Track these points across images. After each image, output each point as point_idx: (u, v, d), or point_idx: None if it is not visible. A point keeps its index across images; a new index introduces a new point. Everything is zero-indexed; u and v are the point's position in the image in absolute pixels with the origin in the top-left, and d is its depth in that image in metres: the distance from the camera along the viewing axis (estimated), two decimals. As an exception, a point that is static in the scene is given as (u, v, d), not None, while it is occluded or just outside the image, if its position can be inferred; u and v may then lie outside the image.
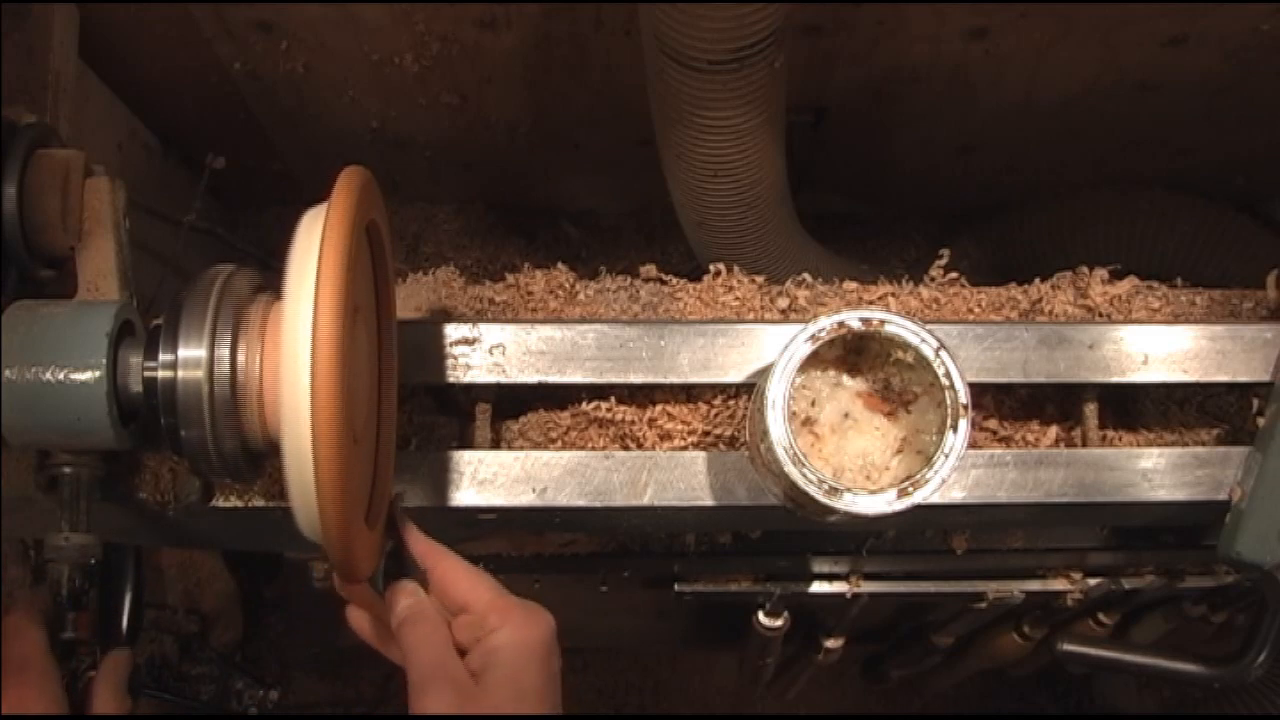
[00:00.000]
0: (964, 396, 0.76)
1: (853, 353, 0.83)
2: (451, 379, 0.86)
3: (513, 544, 1.15)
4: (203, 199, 1.16)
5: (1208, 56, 1.24)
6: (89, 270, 0.78)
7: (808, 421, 0.83)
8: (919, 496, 0.76)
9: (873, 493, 0.76)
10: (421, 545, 0.75)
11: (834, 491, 0.75)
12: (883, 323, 0.78)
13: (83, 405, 0.69)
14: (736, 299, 0.94)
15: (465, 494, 0.84)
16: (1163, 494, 0.88)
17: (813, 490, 0.75)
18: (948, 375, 0.76)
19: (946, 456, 0.75)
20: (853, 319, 0.78)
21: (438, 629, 0.70)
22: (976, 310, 0.95)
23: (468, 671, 0.68)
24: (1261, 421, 0.88)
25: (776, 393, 0.77)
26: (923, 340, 0.77)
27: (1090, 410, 0.92)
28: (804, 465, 0.75)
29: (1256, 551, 0.85)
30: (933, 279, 0.96)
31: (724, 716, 2.21)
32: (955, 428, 0.76)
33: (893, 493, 0.76)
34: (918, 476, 0.76)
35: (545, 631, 0.70)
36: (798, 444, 0.76)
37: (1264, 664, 1.06)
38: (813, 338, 0.78)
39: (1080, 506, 0.88)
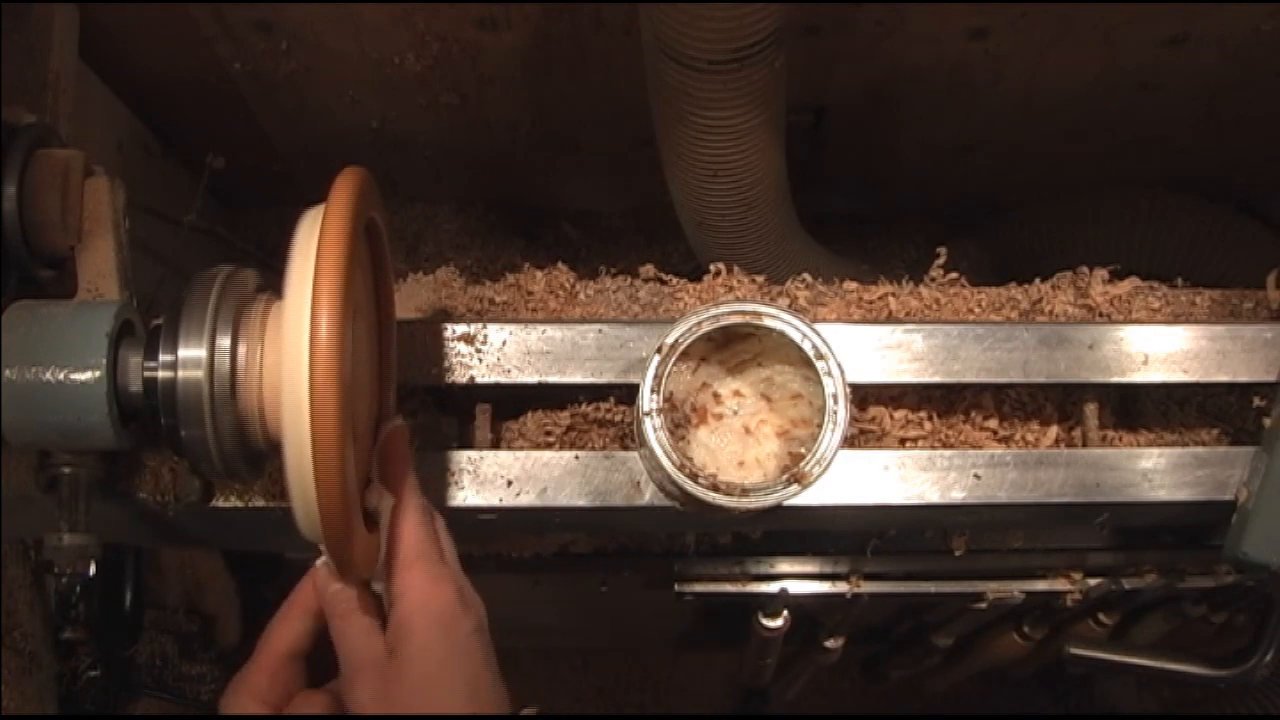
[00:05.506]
0: (837, 385, 0.76)
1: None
2: (451, 379, 0.86)
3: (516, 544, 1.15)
4: (203, 199, 1.16)
5: (1208, 56, 1.23)
6: (89, 270, 0.78)
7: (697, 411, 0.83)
8: (793, 490, 0.76)
9: (745, 490, 0.76)
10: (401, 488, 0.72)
11: (695, 477, 0.75)
12: (760, 315, 0.78)
13: (83, 405, 0.69)
14: (736, 299, 0.94)
15: (465, 494, 0.84)
16: (1163, 494, 0.88)
17: (688, 485, 0.76)
18: (820, 357, 0.76)
19: (816, 454, 0.75)
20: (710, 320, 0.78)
21: (351, 615, 0.69)
22: (976, 310, 0.95)
23: (386, 649, 0.68)
24: (1268, 422, 0.88)
25: (647, 388, 0.77)
26: (791, 326, 0.77)
27: (1090, 410, 0.92)
28: (671, 456, 0.76)
29: (1264, 552, 0.85)
30: (933, 279, 0.96)
31: (724, 716, 2.20)
32: (835, 418, 0.76)
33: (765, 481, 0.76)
34: (796, 469, 0.76)
35: (446, 596, 0.68)
36: (671, 441, 0.76)
37: (1270, 664, 1.06)
38: (671, 346, 0.78)
39: (1080, 506, 0.88)
